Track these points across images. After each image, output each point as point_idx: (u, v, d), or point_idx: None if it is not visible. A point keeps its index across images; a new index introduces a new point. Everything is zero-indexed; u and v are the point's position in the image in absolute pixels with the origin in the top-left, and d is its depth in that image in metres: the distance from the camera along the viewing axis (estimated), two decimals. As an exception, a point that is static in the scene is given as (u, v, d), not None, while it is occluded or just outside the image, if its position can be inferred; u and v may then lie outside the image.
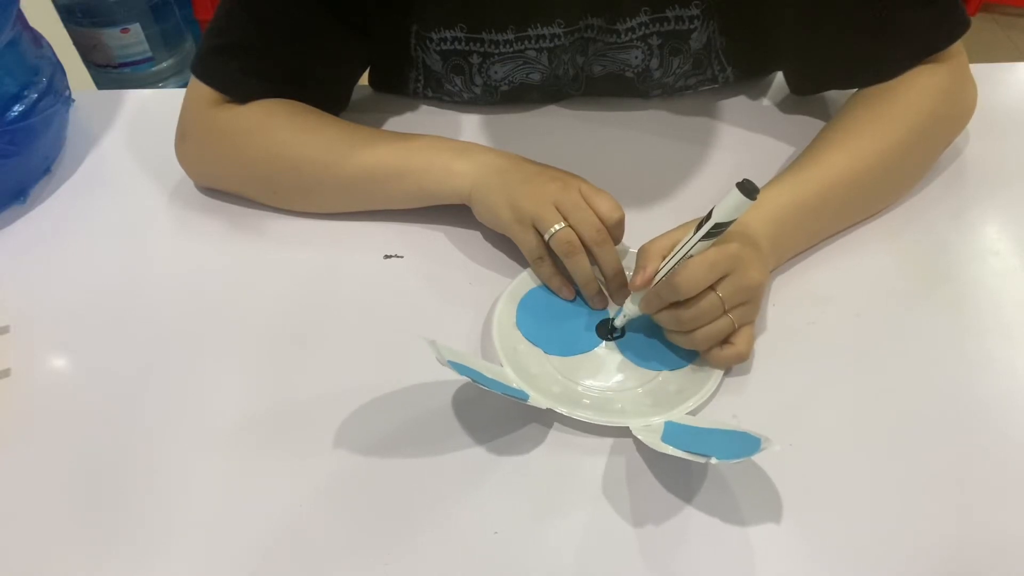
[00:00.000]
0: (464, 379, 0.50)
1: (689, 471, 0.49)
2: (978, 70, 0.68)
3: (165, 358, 0.58)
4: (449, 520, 0.48)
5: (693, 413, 0.52)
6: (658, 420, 0.51)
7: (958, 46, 0.65)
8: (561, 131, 0.77)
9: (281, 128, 0.66)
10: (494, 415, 0.53)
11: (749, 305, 0.53)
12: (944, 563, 0.45)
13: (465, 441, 0.52)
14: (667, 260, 0.52)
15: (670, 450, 0.45)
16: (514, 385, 0.52)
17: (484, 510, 0.48)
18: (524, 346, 0.56)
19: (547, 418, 0.53)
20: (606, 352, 0.57)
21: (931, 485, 0.48)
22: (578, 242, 0.57)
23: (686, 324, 0.52)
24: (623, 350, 0.57)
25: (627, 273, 0.58)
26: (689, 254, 0.50)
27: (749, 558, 0.46)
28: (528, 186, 0.59)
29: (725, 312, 0.52)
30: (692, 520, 0.47)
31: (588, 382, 0.54)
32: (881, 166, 0.62)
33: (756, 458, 0.49)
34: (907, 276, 0.61)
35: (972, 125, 0.70)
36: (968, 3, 2.07)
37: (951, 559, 0.45)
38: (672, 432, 0.49)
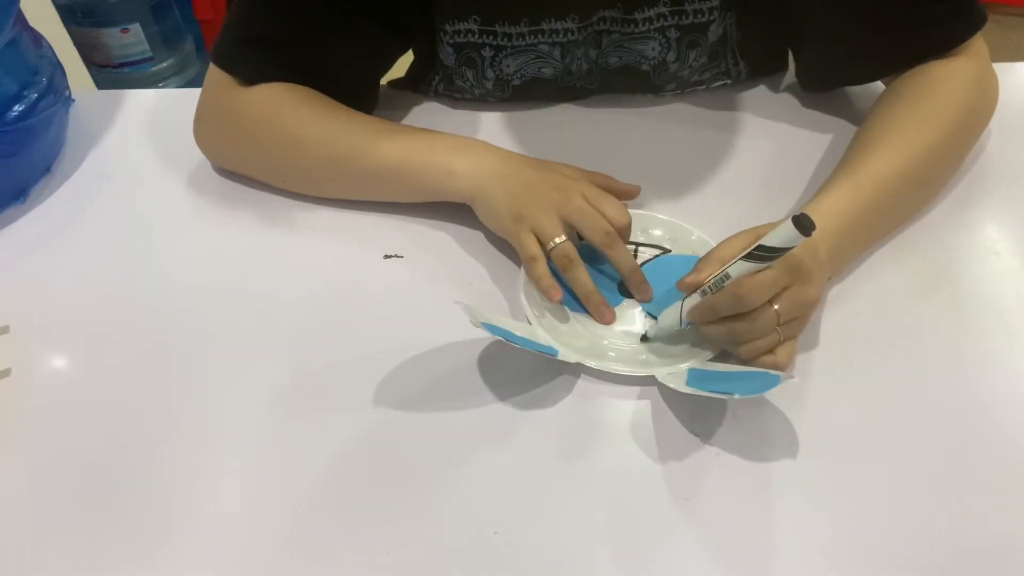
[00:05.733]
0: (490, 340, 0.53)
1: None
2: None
3: (164, 357, 0.58)
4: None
5: (714, 360, 0.54)
6: (682, 367, 0.53)
7: (979, 39, 0.65)
8: (574, 127, 0.77)
9: (292, 116, 0.67)
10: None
11: (799, 320, 0.52)
12: (944, 564, 0.45)
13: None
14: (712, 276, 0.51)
15: (695, 391, 0.48)
16: (543, 342, 0.54)
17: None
18: (551, 305, 0.58)
19: (574, 371, 0.55)
20: (628, 308, 0.59)
21: (931, 485, 0.48)
22: (577, 256, 0.58)
23: (740, 337, 0.51)
24: (644, 306, 0.59)
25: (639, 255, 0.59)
26: (726, 272, 0.50)
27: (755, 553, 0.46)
28: (530, 195, 0.59)
29: (777, 326, 0.51)
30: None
31: (612, 337, 0.57)
32: (926, 164, 0.61)
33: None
34: (907, 276, 0.61)
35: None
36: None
37: (951, 559, 0.45)
38: (696, 376, 0.51)
